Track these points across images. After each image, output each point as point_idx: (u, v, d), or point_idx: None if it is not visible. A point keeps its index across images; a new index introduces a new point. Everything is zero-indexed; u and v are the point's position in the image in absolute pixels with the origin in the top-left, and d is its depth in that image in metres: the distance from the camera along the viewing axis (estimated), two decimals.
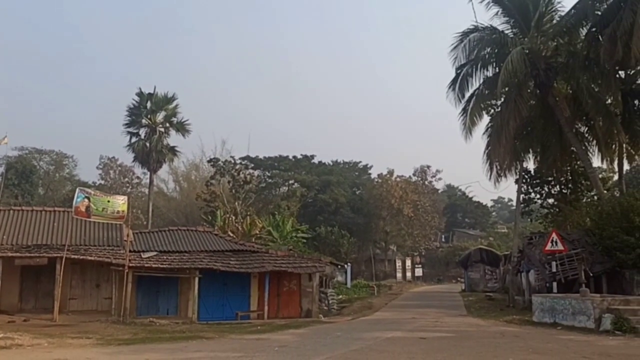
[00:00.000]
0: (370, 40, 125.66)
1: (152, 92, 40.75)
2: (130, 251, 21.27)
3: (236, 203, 42.11)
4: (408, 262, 59.57)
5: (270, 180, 56.92)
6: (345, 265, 40.79)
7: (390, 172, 58.29)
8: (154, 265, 21.33)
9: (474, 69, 27.00)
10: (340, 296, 33.49)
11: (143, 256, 21.87)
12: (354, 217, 54.47)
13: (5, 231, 21.75)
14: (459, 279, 53.79)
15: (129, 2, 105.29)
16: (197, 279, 21.63)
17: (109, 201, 21.44)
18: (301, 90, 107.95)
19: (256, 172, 55.07)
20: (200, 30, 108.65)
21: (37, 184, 52.78)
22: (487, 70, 26.99)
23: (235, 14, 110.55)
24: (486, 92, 26.99)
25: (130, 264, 20.67)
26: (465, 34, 26.60)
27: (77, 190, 21.91)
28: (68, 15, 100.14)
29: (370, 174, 67.39)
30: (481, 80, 27.03)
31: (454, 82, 27.64)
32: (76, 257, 20.63)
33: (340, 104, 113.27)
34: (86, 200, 20.91)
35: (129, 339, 14.99)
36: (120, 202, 21.65)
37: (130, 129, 40.90)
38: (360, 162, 68.34)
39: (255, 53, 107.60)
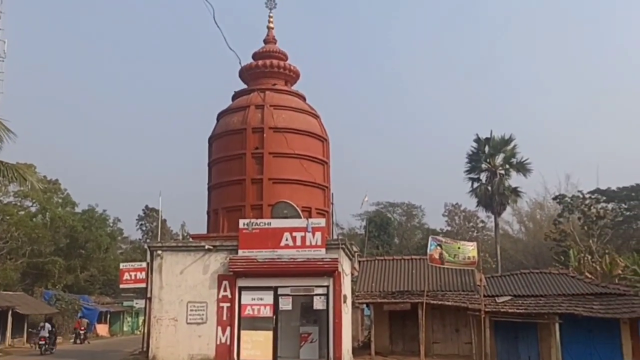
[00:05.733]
0: None
1: (488, 136, 41.31)
2: (484, 296, 21.58)
3: (590, 241, 38.81)
4: None
5: (628, 213, 50.78)
6: None
7: None
8: (509, 310, 21.17)
9: None
10: None
11: (498, 301, 21.92)
12: None
13: (373, 279, 24.39)
14: None
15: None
16: (557, 325, 20.61)
17: (459, 248, 22.26)
18: None
19: (610, 205, 49.82)
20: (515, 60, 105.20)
21: (393, 234, 57.90)
22: None
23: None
24: None
25: (486, 309, 20.94)
26: None
27: (430, 238, 23.25)
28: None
29: None
30: None
31: None
32: (435, 302, 21.96)
33: None
34: (438, 247, 22.12)
35: None
36: (470, 248, 22.25)
37: (471, 175, 41.86)
38: None
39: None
